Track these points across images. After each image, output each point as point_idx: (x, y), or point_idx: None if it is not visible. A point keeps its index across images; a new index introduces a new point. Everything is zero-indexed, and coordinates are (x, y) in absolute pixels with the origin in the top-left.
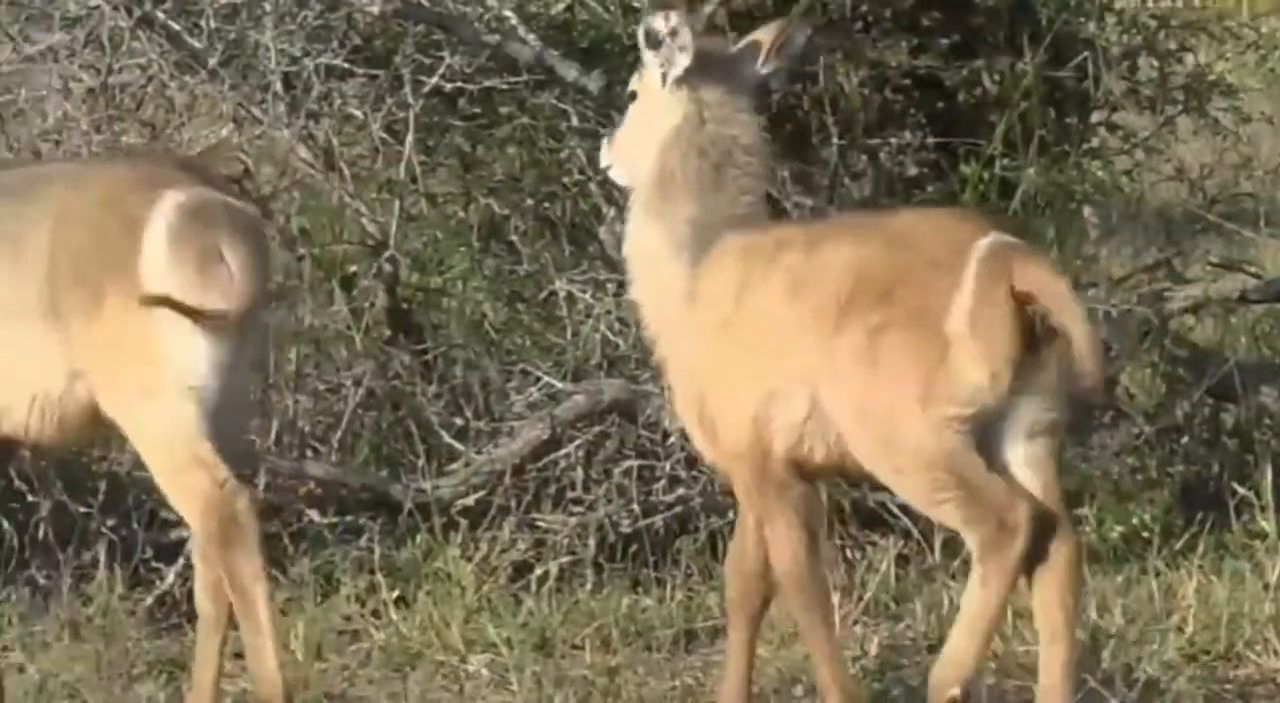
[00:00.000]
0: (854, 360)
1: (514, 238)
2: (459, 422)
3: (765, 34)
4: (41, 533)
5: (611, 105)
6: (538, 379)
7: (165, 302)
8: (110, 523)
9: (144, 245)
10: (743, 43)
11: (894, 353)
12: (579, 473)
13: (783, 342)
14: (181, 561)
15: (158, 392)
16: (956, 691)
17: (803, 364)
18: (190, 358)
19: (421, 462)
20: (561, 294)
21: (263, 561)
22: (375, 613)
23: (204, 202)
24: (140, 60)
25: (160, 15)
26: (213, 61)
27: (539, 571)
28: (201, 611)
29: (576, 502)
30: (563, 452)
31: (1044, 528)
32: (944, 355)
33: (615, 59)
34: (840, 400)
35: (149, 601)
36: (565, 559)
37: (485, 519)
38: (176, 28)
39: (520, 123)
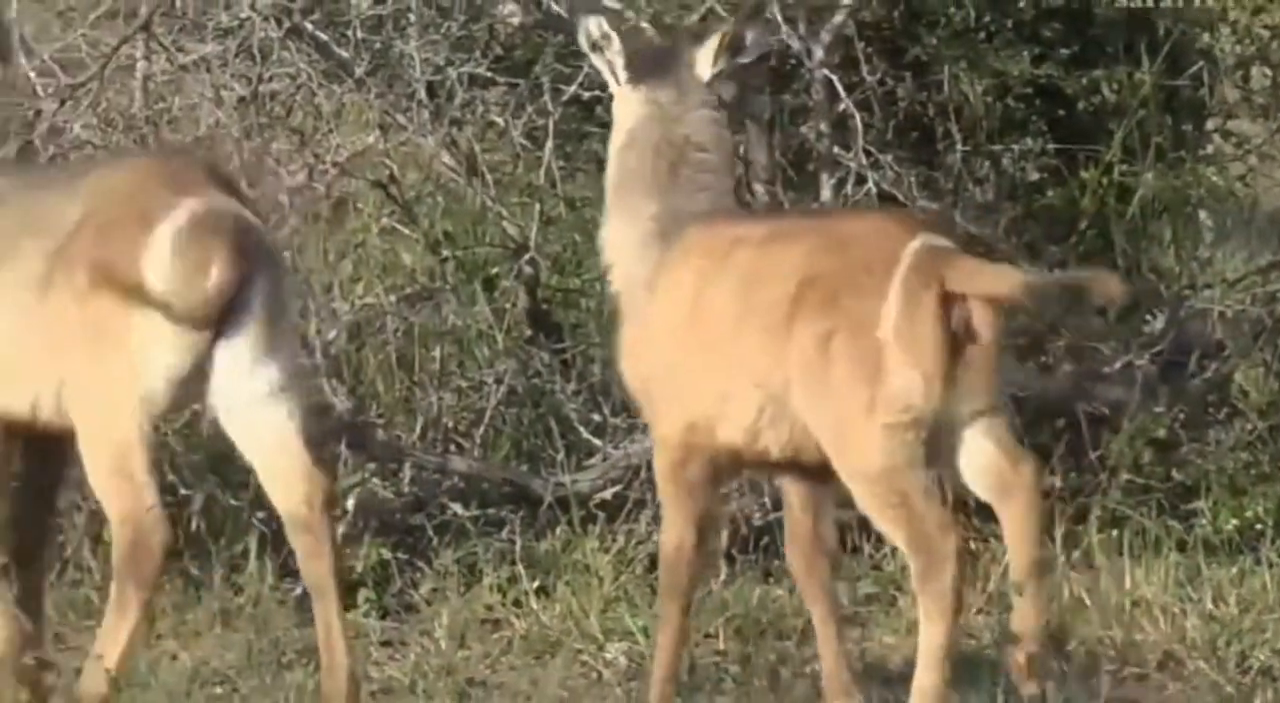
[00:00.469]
0: (806, 369)
1: None
2: (597, 418)
3: (715, 36)
4: (195, 526)
5: (743, 112)
6: None
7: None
8: (260, 516)
9: (151, 243)
10: (702, 44)
11: (841, 362)
12: None
13: (735, 343)
14: None
15: (111, 390)
16: None
17: (757, 365)
18: (152, 372)
19: (561, 457)
20: None
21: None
22: (516, 603)
23: (217, 210)
24: (289, 69)
25: (309, 26)
26: (359, 70)
27: None
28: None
29: None
30: None
31: (1007, 463)
32: (880, 362)
33: (746, 68)
34: (800, 407)
35: (297, 591)
36: None
37: (622, 512)
38: (324, 38)
39: None
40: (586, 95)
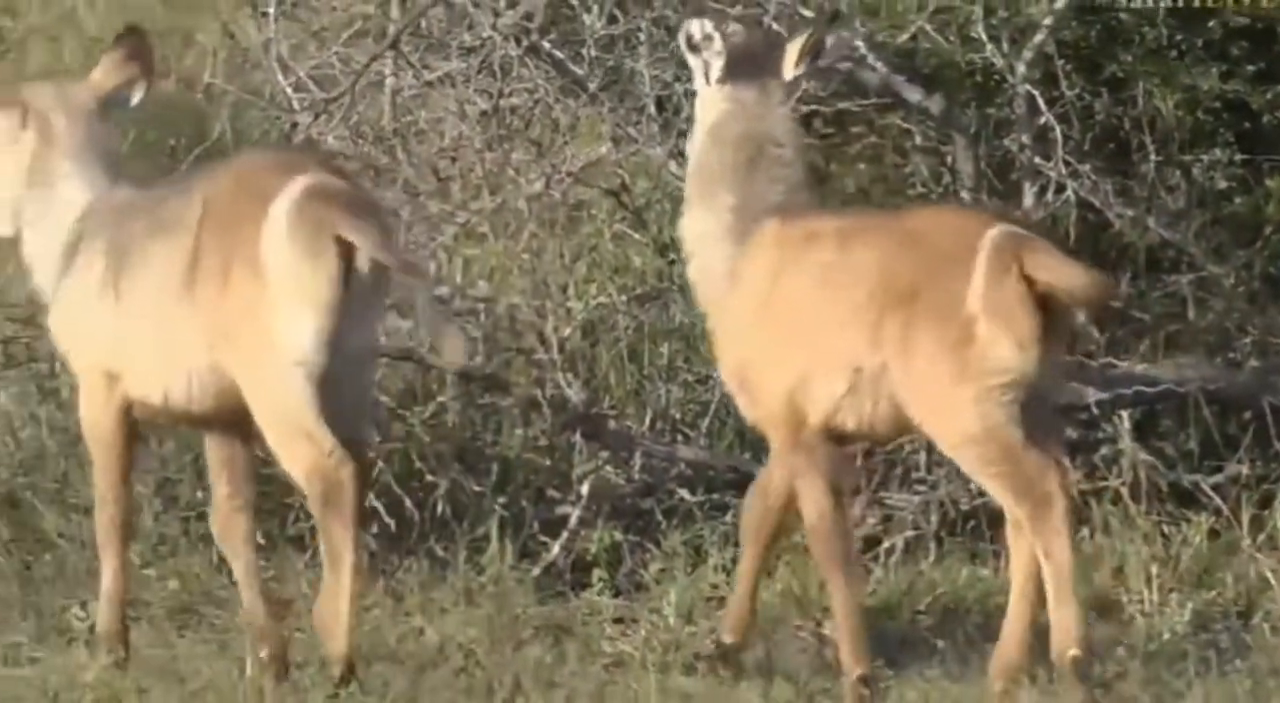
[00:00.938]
0: (895, 352)
1: None
2: None
3: (798, 40)
4: (439, 510)
5: (950, 125)
6: None
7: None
8: (501, 501)
9: (268, 219)
10: (786, 47)
11: (924, 340)
12: (922, 456)
13: (818, 328)
14: (565, 533)
15: (271, 364)
16: (1076, 651)
17: (841, 349)
18: (298, 334)
19: None
20: None
21: (355, 527)
22: None
23: (325, 185)
24: (528, 85)
25: (546, 45)
26: (593, 86)
27: (886, 543)
28: None
29: (920, 482)
30: (909, 438)
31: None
32: (969, 336)
33: (953, 84)
34: (897, 384)
35: (536, 571)
36: (910, 533)
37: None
38: (561, 56)
39: (869, 141)
40: (805, 109)
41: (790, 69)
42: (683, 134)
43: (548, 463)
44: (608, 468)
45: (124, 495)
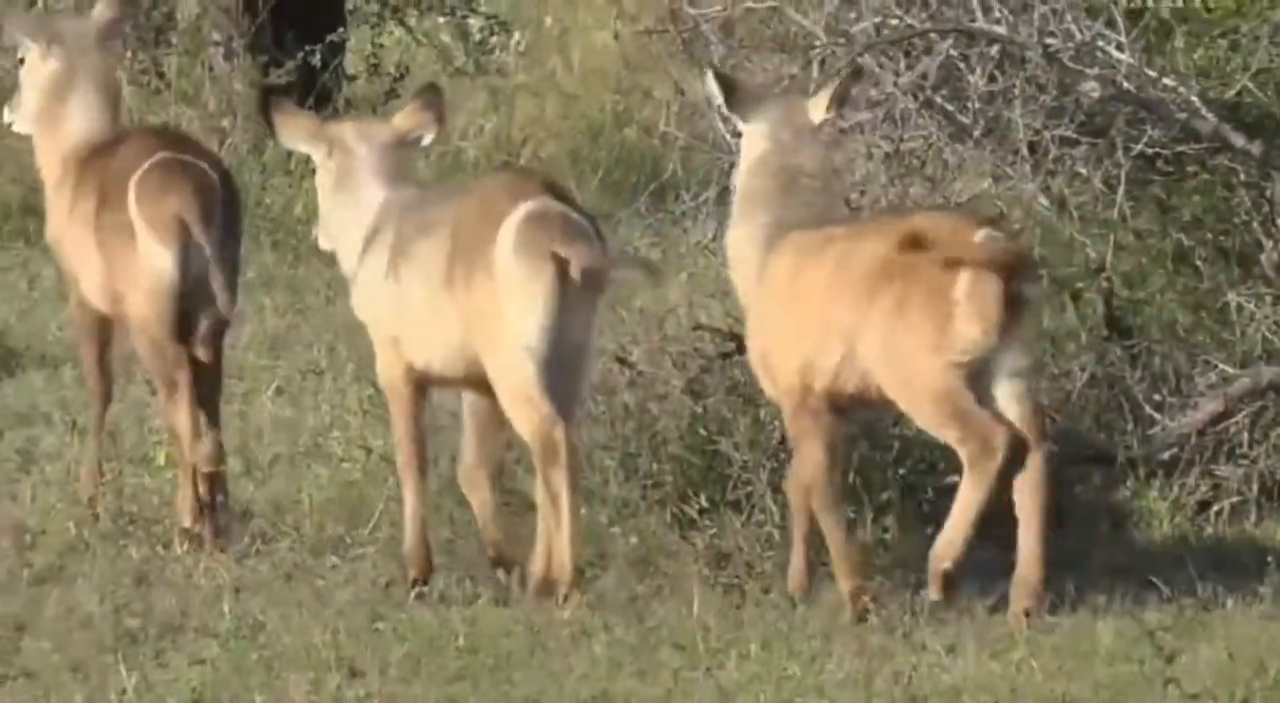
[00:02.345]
0: (883, 321)
1: (1198, 263)
2: (1157, 398)
3: (828, 87)
4: (852, 479)
5: (1269, 165)
6: (1215, 366)
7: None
8: (901, 471)
9: (499, 237)
10: (818, 91)
11: (913, 315)
12: (1245, 435)
13: (825, 311)
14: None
15: (505, 349)
16: (949, 565)
17: (840, 324)
18: (526, 325)
19: (1130, 426)
20: (1233, 304)
21: (570, 475)
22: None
23: (546, 209)
24: (923, 132)
25: (938, 99)
26: (976, 133)
27: (1215, 507)
28: None
29: (1243, 456)
30: (1233, 420)
31: (1024, 445)
32: (950, 317)
33: (1272, 131)
34: (874, 350)
35: (928, 530)
36: (1235, 499)
37: (1176, 469)
38: (950, 108)
39: (1202, 178)
40: (1150, 151)
41: (821, 113)
42: (1049, 172)
43: None
44: None
45: (418, 437)
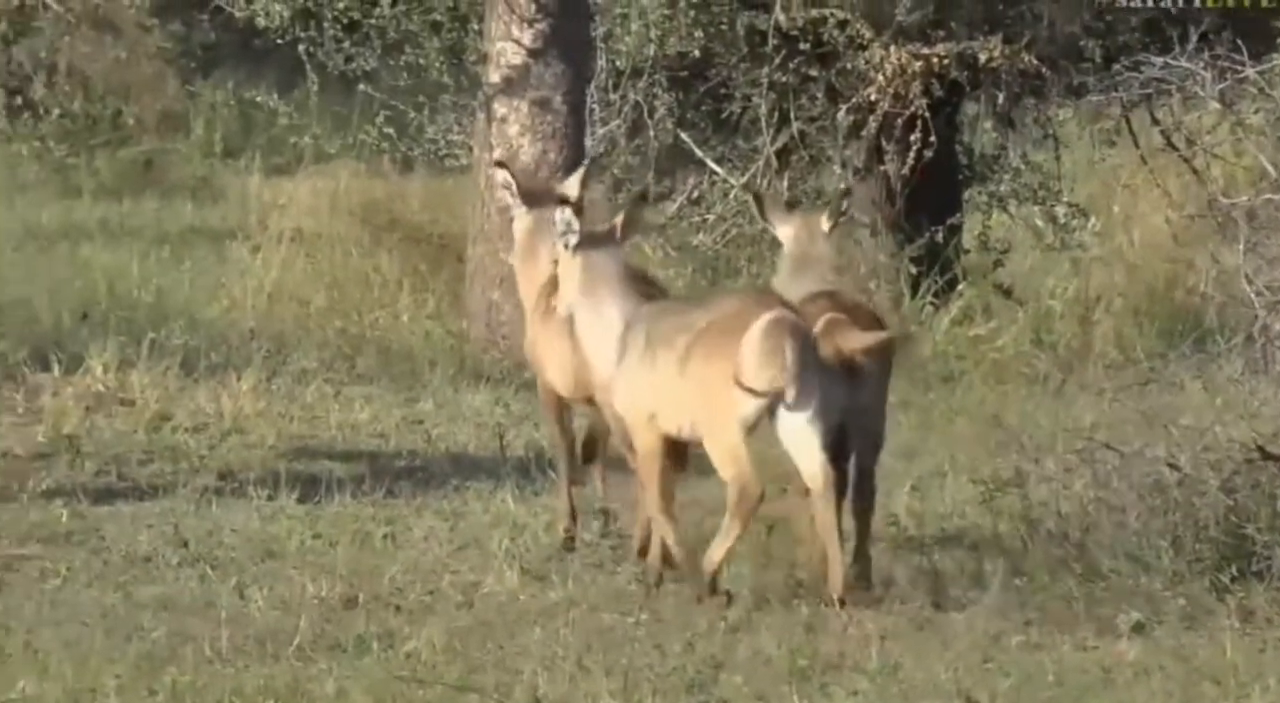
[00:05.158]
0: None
1: None
2: None
3: (830, 205)
4: None
5: None
6: None
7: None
8: None
9: (745, 339)
10: (823, 209)
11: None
12: None
13: None
14: None
15: (723, 427)
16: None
17: None
18: (748, 404)
19: None
20: None
21: (744, 512)
22: None
23: (782, 319)
24: None
25: None
26: None
27: None
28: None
29: None
30: None
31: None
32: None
33: None
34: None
35: None
36: None
37: None
38: None
39: None
40: None
41: (827, 223)
42: None
43: None
44: None
45: (667, 487)
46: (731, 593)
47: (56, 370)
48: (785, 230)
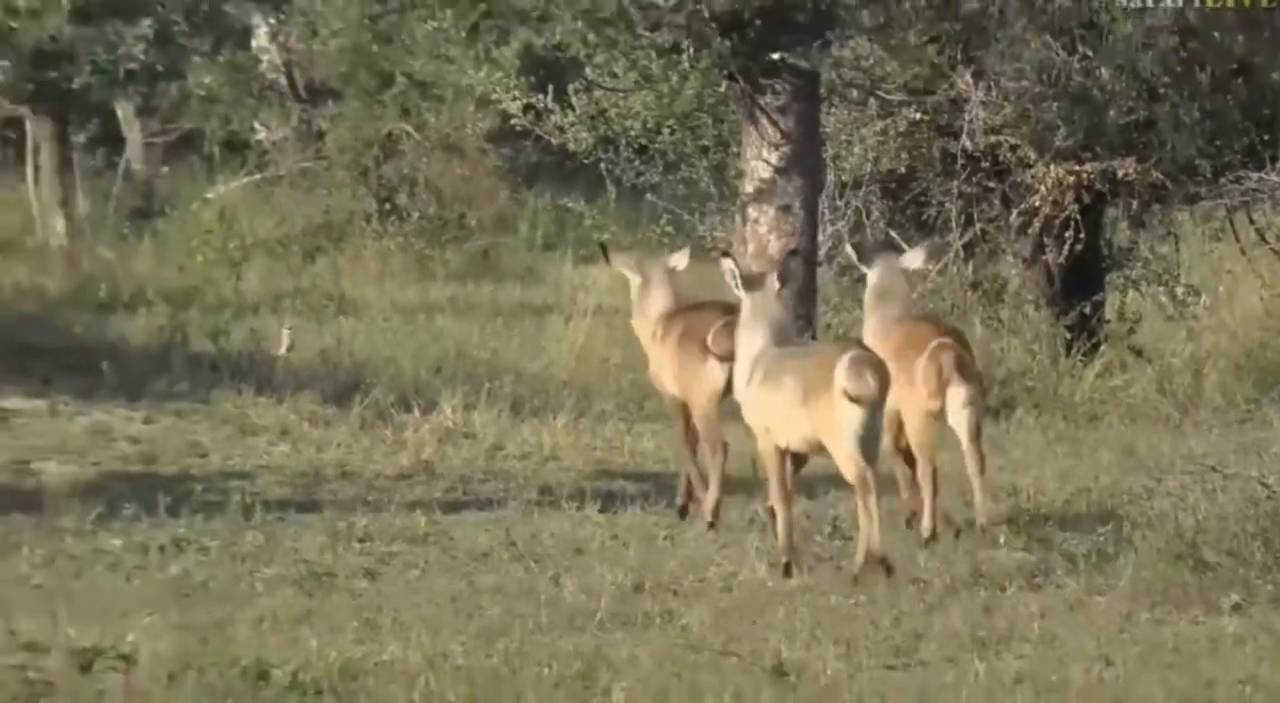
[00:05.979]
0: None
1: None
2: None
3: (917, 250)
4: None
5: None
6: None
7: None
8: None
9: (835, 373)
10: (904, 252)
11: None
12: None
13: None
14: None
15: (842, 434)
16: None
17: None
18: (851, 421)
19: None
20: None
21: (871, 495)
22: None
23: (860, 357)
24: None
25: None
26: None
27: None
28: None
29: None
30: None
31: None
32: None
33: None
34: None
35: None
36: None
37: None
38: None
39: None
40: None
41: (914, 262)
42: None
43: None
44: None
45: (785, 488)
46: (894, 567)
47: (416, 411)
48: (878, 274)
